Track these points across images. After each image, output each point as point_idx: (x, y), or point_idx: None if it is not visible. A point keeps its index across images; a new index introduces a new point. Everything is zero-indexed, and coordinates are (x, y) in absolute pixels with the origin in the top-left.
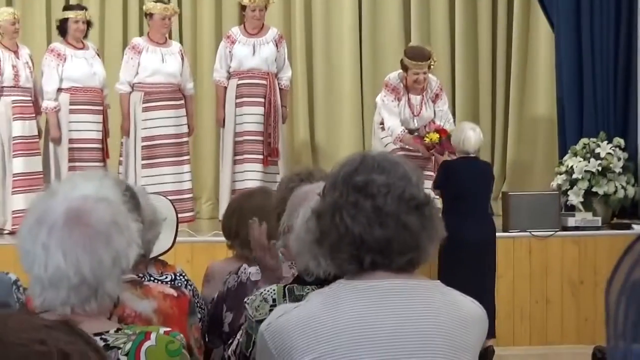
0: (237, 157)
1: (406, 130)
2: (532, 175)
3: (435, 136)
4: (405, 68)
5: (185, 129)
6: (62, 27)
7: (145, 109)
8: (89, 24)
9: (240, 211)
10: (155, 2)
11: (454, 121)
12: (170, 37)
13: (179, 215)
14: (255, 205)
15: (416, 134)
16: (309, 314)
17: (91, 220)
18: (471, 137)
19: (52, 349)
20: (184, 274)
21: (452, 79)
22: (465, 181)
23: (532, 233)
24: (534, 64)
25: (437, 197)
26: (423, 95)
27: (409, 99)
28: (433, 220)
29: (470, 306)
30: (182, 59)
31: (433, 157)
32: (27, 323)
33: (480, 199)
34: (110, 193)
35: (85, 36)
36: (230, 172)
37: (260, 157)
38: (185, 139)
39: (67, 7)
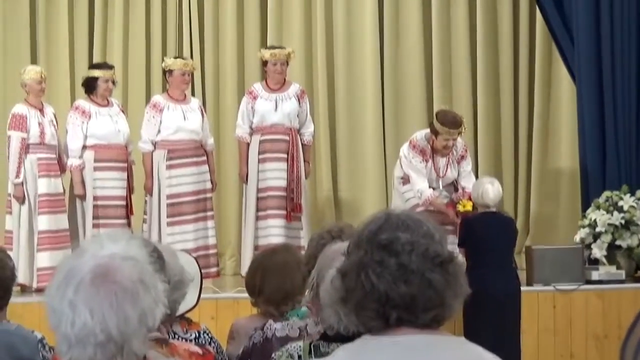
0: (260, 213)
1: (435, 194)
2: (555, 229)
3: (469, 204)
4: (435, 132)
5: (208, 185)
6: (89, 85)
7: (168, 167)
8: (114, 83)
9: (263, 268)
10: (175, 58)
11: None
12: (192, 94)
13: (204, 271)
14: (278, 262)
15: (446, 199)
16: None
17: (118, 278)
18: (489, 190)
19: None
20: (208, 332)
21: (475, 131)
22: (487, 235)
23: (556, 287)
24: (557, 116)
25: (461, 254)
26: (448, 158)
27: (434, 162)
28: (457, 277)
29: None
30: (202, 115)
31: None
32: None
33: (503, 253)
34: (137, 252)
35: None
36: (253, 228)
37: (284, 212)
38: (209, 195)
39: (95, 66)
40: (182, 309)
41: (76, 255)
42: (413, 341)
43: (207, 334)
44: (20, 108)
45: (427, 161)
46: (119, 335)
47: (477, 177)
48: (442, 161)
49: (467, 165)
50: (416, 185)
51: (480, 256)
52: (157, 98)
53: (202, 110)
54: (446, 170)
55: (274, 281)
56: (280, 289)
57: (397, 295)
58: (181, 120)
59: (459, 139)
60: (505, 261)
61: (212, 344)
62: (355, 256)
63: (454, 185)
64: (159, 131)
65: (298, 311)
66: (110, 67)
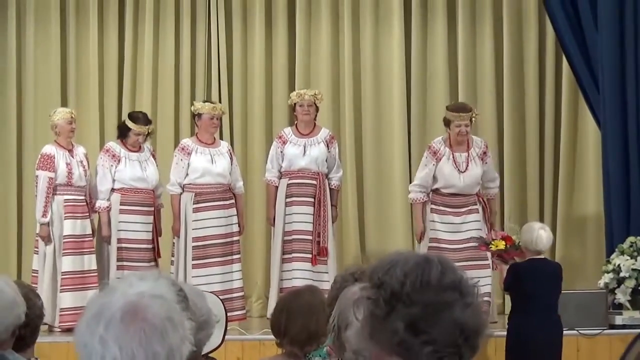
0: (286, 256)
1: (422, 199)
2: (581, 274)
3: (501, 244)
4: (448, 123)
5: (235, 228)
6: (122, 131)
7: (195, 210)
8: (149, 134)
9: (288, 309)
10: (204, 102)
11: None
12: (221, 137)
13: (229, 314)
14: (303, 303)
15: (480, 237)
16: None
17: (147, 316)
18: (543, 236)
19: None
20: None
21: (501, 177)
22: (535, 282)
23: (580, 331)
24: (582, 162)
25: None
26: (469, 152)
27: (453, 157)
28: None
29: None
30: (231, 158)
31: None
32: None
33: (549, 300)
34: (165, 291)
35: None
36: (279, 270)
37: (309, 256)
38: (236, 238)
39: (134, 118)
40: (206, 349)
41: (106, 293)
42: None
43: None
44: (48, 148)
45: (438, 160)
46: None
47: (502, 223)
48: (461, 156)
49: (489, 160)
50: (414, 181)
51: (525, 302)
52: (186, 141)
53: (231, 154)
54: (467, 165)
55: (298, 322)
56: (305, 330)
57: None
58: (209, 163)
59: (478, 138)
60: (551, 308)
61: None
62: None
63: (480, 186)
64: (186, 174)
65: (320, 351)
66: (147, 122)
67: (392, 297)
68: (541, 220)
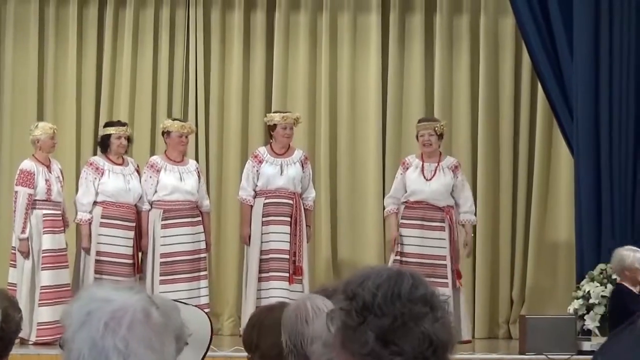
0: (263, 275)
1: (394, 210)
2: (551, 299)
3: None
4: (417, 136)
5: (203, 245)
6: (104, 143)
7: (164, 226)
8: (129, 139)
9: (260, 325)
10: (173, 120)
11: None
12: (196, 155)
13: None
14: (275, 319)
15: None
16: None
17: (153, 320)
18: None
19: None
20: None
21: (475, 200)
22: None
23: (549, 356)
24: (555, 189)
25: None
26: (439, 164)
27: (422, 167)
28: None
29: None
30: (199, 176)
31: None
32: None
33: None
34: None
35: (126, 152)
36: (255, 289)
37: (286, 275)
38: (203, 255)
39: (108, 124)
40: None
41: (89, 300)
42: None
43: None
44: (27, 164)
45: (406, 169)
46: None
47: (474, 248)
48: (431, 166)
49: (463, 180)
50: (387, 196)
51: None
52: (155, 159)
53: (198, 172)
54: (434, 174)
55: (270, 338)
56: (276, 346)
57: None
58: (178, 181)
59: (451, 158)
60: None
61: None
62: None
63: (454, 202)
64: (155, 191)
65: None
66: (123, 124)
67: (364, 308)
68: (512, 245)
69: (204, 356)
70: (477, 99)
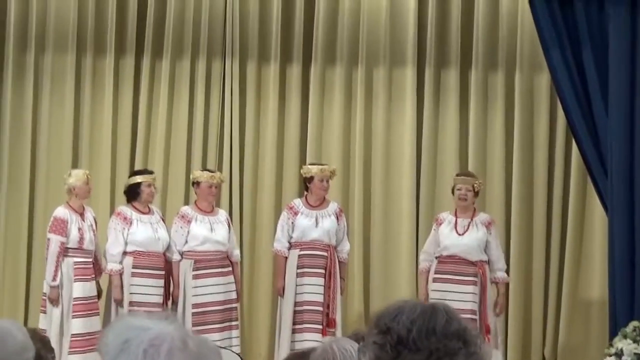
0: (296, 326)
1: (427, 267)
2: (584, 358)
3: None
4: (452, 190)
5: (234, 295)
6: (132, 191)
7: (195, 277)
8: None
9: None
10: (202, 170)
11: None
12: (230, 206)
13: None
14: None
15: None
16: None
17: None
18: None
19: None
20: None
21: (507, 258)
22: None
23: None
24: (589, 245)
25: None
26: (472, 219)
27: (455, 222)
28: None
29: None
30: (229, 227)
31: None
32: None
33: None
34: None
35: (153, 199)
36: (289, 340)
37: (319, 327)
38: (234, 305)
39: (137, 172)
40: None
41: (126, 328)
42: None
43: None
44: (61, 212)
45: (440, 225)
46: None
47: (507, 305)
48: (464, 221)
49: (496, 238)
50: (421, 251)
51: None
52: (185, 209)
53: (229, 222)
54: (467, 228)
55: None
56: None
57: None
58: (208, 231)
59: (485, 215)
60: None
61: None
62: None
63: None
64: (186, 241)
65: None
66: (151, 172)
67: (399, 343)
68: (545, 302)
69: None
70: (511, 154)
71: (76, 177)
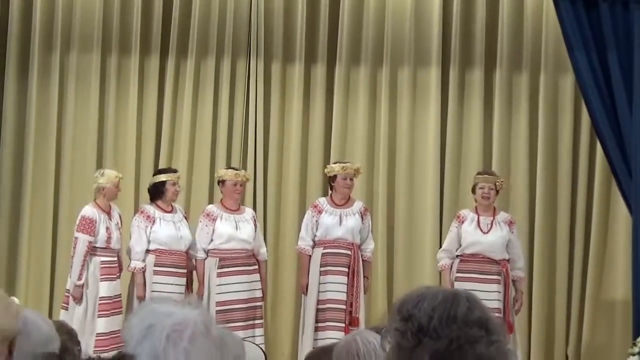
0: (319, 325)
1: (448, 265)
2: (607, 357)
3: None
4: (473, 188)
5: (258, 294)
6: (156, 190)
7: (219, 274)
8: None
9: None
10: (227, 169)
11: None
12: (254, 204)
13: None
14: (330, 358)
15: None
16: None
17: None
18: None
19: None
20: None
21: (530, 259)
22: None
23: None
24: (613, 245)
25: None
26: (494, 218)
27: (478, 220)
28: None
29: None
30: (255, 225)
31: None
32: None
33: None
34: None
35: (177, 197)
36: (312, 339)
37: (342, 325)
38: (259, 304)
39: (161, 171)
40: None
41: (150, 314)
42: None
43: None
44: (89, 211)
45: (462, 222)
46: None
47: (530, 304)
48: (487, 219)
49: (515, 231)
50: (440, 249)
51: None
52: (211, 207)
53: (255, 221)
54: (490, 227)
55: None
56: None
57: None
58: (233, 229)
59: (505, 214)
60: None
61: None
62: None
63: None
64: (211, 240)
65: None
66: (175, 171)
67: (420, 330)
68: (568, 302)
69: None
70: (535, 155)
71: (108, 178)
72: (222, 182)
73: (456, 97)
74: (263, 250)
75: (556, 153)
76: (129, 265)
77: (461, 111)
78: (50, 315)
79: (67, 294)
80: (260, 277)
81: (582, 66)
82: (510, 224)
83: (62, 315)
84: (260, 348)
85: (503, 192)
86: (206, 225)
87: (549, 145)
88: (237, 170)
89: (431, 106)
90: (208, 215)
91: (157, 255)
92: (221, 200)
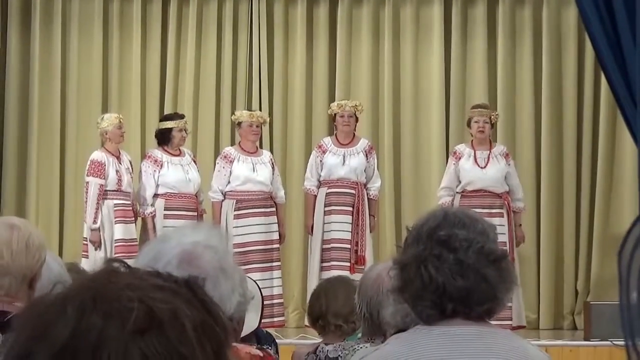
0: (324, 264)
1: (451, 202)
2: (615, 290)
3: None
4: (469, 122)
5: (276, 236)
6: (163, 136)
7: (236, 216)
8: (186, 131)
9: (326, 290)
10: (244, 110)
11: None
12: (261, 146)
13: (268, 320)
14: (339, 284)
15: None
16: (387, 354)
17: (201, 264)
18: None
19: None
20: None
21: (537, 191)
22: None
23: (614, 342)
24: (620, 179)
25: None
26: (490, 151)
27: (475, 155)
28: (509, 273)
29: (536, 353)
30: (273, 167)
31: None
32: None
33: None
34: (218, 242)
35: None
36: (317, 278)
37: (347, 264)
38: (276, 246)
39: (167, 117)
40: (244, 332)
41: (161, 241)
42: (465, 331)
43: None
44: (98, 155)
45: (458, 159)
46: None
47: (538, 237)
48: (483, 154)
49: (512, 162)
50: (439, 187)
51: None
52: (228, 149)
53: (272, 163)
54: (487, 161)
55: (339, 298)
56: (347, 304)
57: (454, 288)
58: (250, 171)
59: (501, 146)
60: None
61: (273, 347)
62: (414, 250)
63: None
64: (228, 182)
65: (354, 337)
66: (182, 117)
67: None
68: (577, 236)
69: (260, 320)
70: (540, 89)
71: (108, 121)
72: (238, 125)
73: (459, 33)
74: (281, 193)
75: (561, 87)
76: (138, 211)
77: (464, 47)
78: None
79: (84, 242)
80: (278, 220)
81: None
82: (506, 156)
83: (83, 264)
84: (254, 281)
85: (508, 127)
86: (223, 167)
87: (553, 78)
88: (252, 111)
89: (434, 43)
90: (225, 157)
91: (166, 199)
92: (239, 142)
